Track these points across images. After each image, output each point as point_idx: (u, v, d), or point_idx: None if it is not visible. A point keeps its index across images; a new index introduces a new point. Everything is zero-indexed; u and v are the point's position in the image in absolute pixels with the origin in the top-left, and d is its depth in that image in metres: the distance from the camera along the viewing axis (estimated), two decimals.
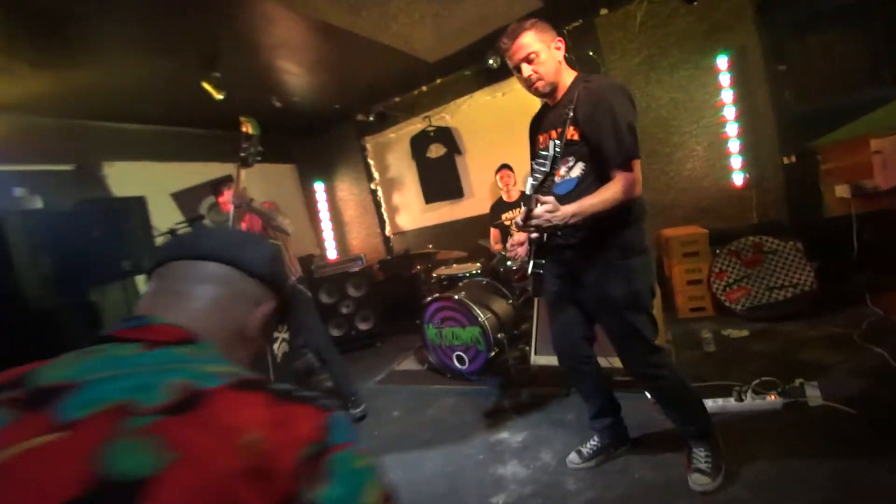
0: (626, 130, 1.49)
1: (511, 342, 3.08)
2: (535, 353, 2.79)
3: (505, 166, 3.92)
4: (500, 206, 3.96)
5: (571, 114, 1.54)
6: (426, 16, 3.18)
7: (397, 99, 4.81)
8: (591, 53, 3.83)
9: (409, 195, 5.34)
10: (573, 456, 1.99)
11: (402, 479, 2.18)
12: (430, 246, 3.94)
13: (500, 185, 3.95)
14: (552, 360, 2.72)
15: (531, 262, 1.70)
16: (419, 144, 4.95)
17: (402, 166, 5.27)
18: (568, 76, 1.66)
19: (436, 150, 4.88)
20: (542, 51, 1.57)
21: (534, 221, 1.45)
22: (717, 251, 3.21)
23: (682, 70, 3.61)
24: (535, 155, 1.78)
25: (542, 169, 1.44)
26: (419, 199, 5.21)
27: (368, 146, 5.45)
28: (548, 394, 2.66)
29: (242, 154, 2.44)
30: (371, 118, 4.94)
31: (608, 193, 1.49)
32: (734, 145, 3.50)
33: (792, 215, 3.42)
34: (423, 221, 5.32)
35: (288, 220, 2.74)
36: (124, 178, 3.82)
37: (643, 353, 1.67)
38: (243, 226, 2.75)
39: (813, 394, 2.04)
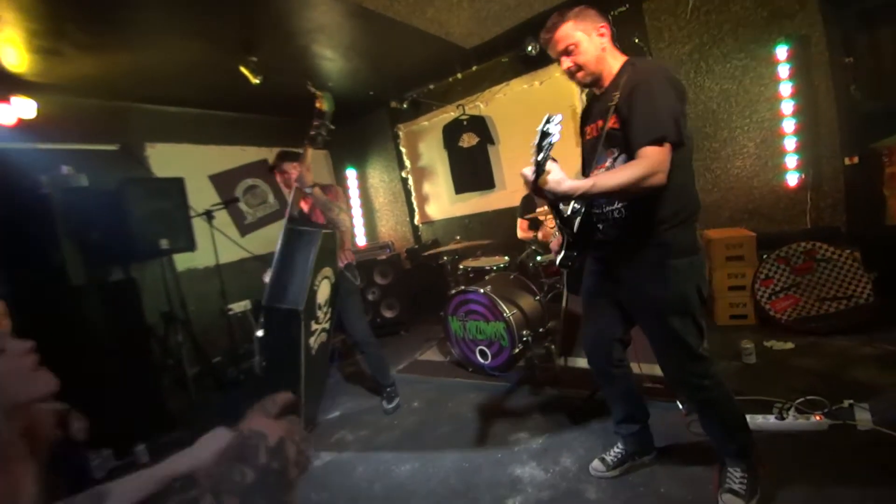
0: (658, 110, 1.37)
1: (536, 340, 3.01)
2: (561, 353, 2.71)
3: None
4: (534, 200, 3.83)
5: (616, 100, 1.45)
6: None
7: (432, 86, 4.73)
8: (636, 41, 3.62)
9: (439, 184, 5.29)
10: (597, 463, 1.92)
11: (417, 472, 2.18)
12: (458, 238, 3.88)
13: None
14: (578, 361, 2.65)
15: (560, 255, 1.63)
16: (452, 133, 4.88)
17: (433, 155, 5.22)
18: (615, 62, 1.56)
19: (468, 140, 4.79)
20: (581, 41, 1.51)
21: (544, 188, 1.31)
22: (765, 256, 3.01)
23: (736, 60, 3.36)
24: (583, 146, 1.72)
25: (532, 153, 1.27)
26: (449, 189, 5.15)
27: (401, 134, 5.42)
28: (572, 395, 2.58)
29: (312, 132, 2.33)
30: (404, 105, 4.90)
31: (624, 173, 1.34)
32: (790, 143, 3.25)
33: (850, 221, 3.15)
34: (453, 212, 5.27)
35: (346, 215, 2.61)
36: (165, 159, 3.95)
37: (684, 361, 1.57)
38: (304, 207, 2.68)
39: (863, 417, 1.88)
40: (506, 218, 4.49)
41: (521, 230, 3.89)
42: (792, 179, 3.28)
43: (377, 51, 3.75)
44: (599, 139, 1.54)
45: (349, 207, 2.66)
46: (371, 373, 3.02)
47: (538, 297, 3.22)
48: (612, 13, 3.60)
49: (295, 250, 2.29)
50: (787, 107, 3.21)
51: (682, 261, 1.50)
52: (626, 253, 1.57)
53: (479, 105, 4.69)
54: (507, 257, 3.63)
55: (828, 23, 3.08)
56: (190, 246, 3.46)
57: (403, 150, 5.46)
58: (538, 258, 3.43)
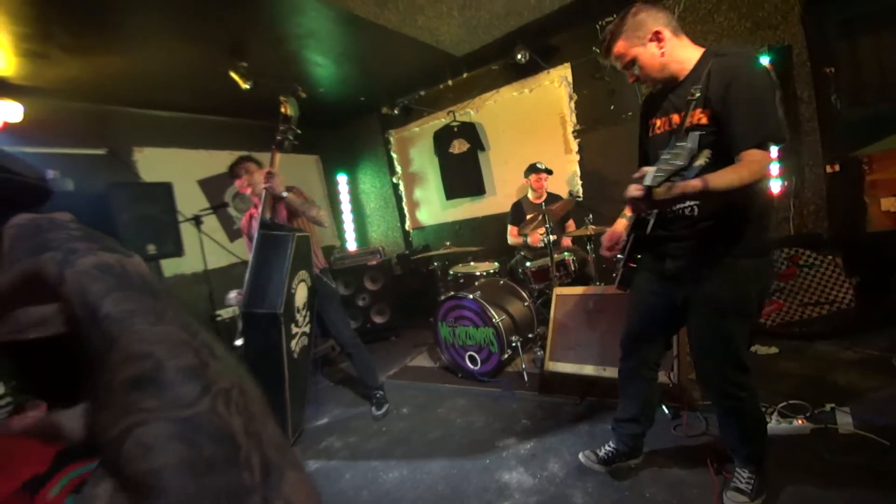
0: (767, 107, 1.29)
1: (525, 345, 3.02)
2: (549, 359, 2.72)
3: (543, 170, 3.73)
4: (524, 206, 3.84)
5: (698, 94, 1.37)
6: (453, 8, 3.12)
7: (422, 93, 4.76)
8: None
9: (430, 190, 5.31)
10: (588, 452, 1.94)
11: (405, 479, 2.17)
12: (448, 243, 3.89)
13: (532, 187, 3.80)
14: (566, 367, 2.66)
15: (626, 257, 1.62)
16: (442, 139, 4.90)
17: (424, 161, 5.24)
18: (691, 54, 1.46)
19: (459, 146, 4.81)
20: (640, 53, 1.46)
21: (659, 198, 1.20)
22: None
23: None
24: (645, 139, 1.67)
25: (677, 162, 1.15)
26: (440, 195, 5.16)
27: (392, 139, 5.43)
28: (560, 401, 2.59)
29: (279, 137, 2.33)
30: (396, 111, 4.91)
31: (744, 171, 1.26)
32: (773, 151, 3.31)
33: (832, 228, 3.22)
34: (444, 217, 5.28)
35: (324, 212, 2.63)
36: (153, 163, 3.92)
37: (727, 368, 1.52)
38: (266, 214, 2.68)
39: (844, 421, 1.91)
40: (496, 224, 4.52)
41: (512, 236, 3.91)
42: (775, 187, 3.34)
43: (368, 57, 3.77)
44: (675, 133, 1.44)
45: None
46: (359, 375, 3.01)
47: (527, 303, 3.23)
48: (599, 23, 3.66)
49: (270, 255, 2.28)
50: None
51: (753, 261, 1.46)
52: (695, 250, 1.50)
53: (470, 112, 4.72)
54: (496, 263, 3.64)
55: (809, 33, 3.15)
56: (177, 251, 3.43)
57: (395, 155, 5.47)
58: (527, 264, 3.46)
